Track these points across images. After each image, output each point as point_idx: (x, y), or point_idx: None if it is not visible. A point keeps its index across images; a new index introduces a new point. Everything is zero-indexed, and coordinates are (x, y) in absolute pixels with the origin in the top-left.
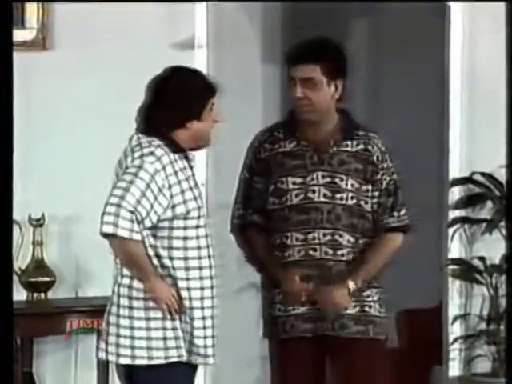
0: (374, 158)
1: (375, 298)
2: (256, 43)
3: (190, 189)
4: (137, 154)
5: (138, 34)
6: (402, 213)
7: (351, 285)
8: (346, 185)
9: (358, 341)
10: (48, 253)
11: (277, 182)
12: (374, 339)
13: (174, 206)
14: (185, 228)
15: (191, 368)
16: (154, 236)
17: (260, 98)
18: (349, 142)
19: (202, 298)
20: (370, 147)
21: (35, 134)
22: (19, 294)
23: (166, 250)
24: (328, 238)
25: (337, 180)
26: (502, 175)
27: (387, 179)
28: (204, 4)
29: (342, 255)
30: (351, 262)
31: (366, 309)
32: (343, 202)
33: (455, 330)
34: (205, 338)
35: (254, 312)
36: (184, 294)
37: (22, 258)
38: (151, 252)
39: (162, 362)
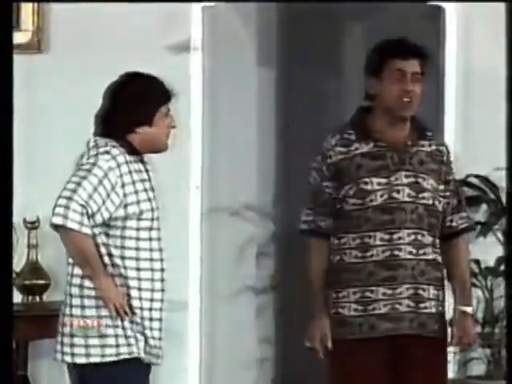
0: (445, 158)
1: (445, 298)
2: (251, 45)
3: (145, 190)
4: (92, 153)
5: (134, 36)
6: (465, 214)
7: (470, 310)
8: (427, 184)
9: (433, 340)
10: (43, 256)
11: (359, 183)
12: (444, 339)
13: (126, 205)
14: (138, 229)
15: (145, 367)
16: (107, 234)
17: (255, 101)
18: (424, 142)
19: (151, 300)
20: (440, 147)
21: (30, 136)
22: (14, 297)
23: (119, 249)
24: (412, 237)
25: (419, 180)
26: (497, 178)
27: (454, 179)
28: (199, 6)
29: (424, 254)
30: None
31: (440, 308)
32: (425, 201)
33: (449, 331)
34: (153, 338)
35: (250, 314)
36: (134, 293)
37: (16, 261)
38: (103, 250)
39: (114, 358)
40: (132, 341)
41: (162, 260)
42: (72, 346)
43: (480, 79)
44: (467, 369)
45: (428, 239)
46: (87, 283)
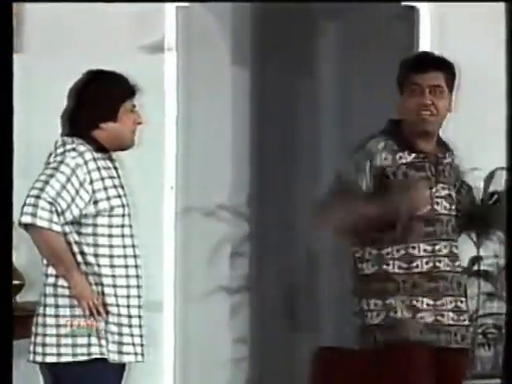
0: (459, 169)
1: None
2: (226, 45)
3: (114, 187)
4: (59, 151)
5: (108, 36)
6: None
7: None
8: (454, 197)
9: (466, 351)
10: (17, 256)
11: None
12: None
13: (96, 202)
14: (109, 226)
15: (117, 367)
16: (79, 233)
17: (230, 101)
18: (447, 154)
19: (128, 296)
20: (456, 161)
21: None
22: None
23: (91, 246)
24: (448, 249)
25: (451, 192)
26: (472, 179)
27: (466, 188)
28: (173, 6)
29: (458, 266)
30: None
31: (469, 321)
32: (454, 213)
33: None
34: (132, 335)
35: (224, 314)
36: (110, 290)
37: None
38: (76, 249)
39: (86, 358)
40: (103, 341)
41: (135, 256)
42: (44, 345)
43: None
44: None
45: (457, 250)
46: (61, 282)
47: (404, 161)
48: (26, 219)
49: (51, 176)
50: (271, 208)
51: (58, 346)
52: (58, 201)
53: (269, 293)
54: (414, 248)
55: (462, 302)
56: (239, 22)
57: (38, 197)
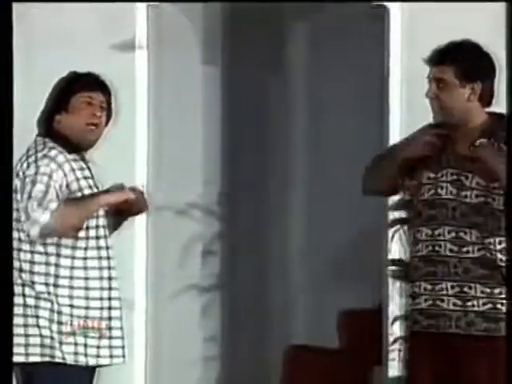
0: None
1: (507, 296)
2: (196, 44)
3: (89, 187)
4: (31, 159)
5: (79, 35)
6: None
7: None
8: (471, 183)
9: (486, 339)
10: None
11: (413, 176)
12: (499, 337)
13: None
14: (86, 228)
15: (90, 368)
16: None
17: (200, 100)
18: (479, 143)
19: (101, 299)
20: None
21: None
22: None
23: (69, 249)
24: (452, 234)
25: (462, 178)
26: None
27: None
28: (144, 5)
29: (468, 252)
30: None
31: (498, 306)
32: (467, 199)
33: (395, 330)
34: (111, 338)
35: (196, 313)
36: (80, 292)
37: None
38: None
39: (38, 359)
40: (55, 343)
41: (109, 258)
42: (18, 345)
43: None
44: None
45: (475, 236)
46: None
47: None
48: (35, 231)
49: (31, 190)
50: (242, 207)
51: (27, 346)
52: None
53: (240, 292)
54: (418, 232)
55: (470, 287)
56: (210, 21)
57: (28, 212)
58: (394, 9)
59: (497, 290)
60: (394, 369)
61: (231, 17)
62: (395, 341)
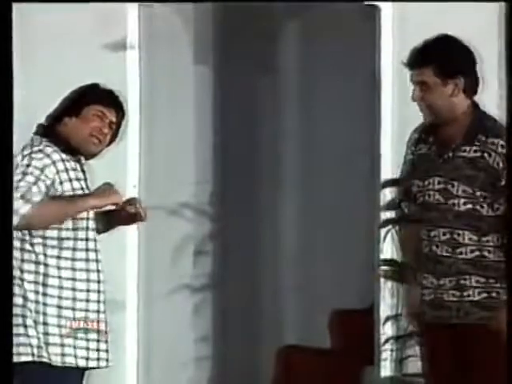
0: (493, 165)
1: (503, 285)
2: (188, 44)
3: (82, 189)
4: (26, 152)
5: (70, 35)
6: None
7: None
8: (457, 191)
9: (483, 327)
10: None
11: (412, 183)
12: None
13: None
14: (74, 229)
15: (80, 369)
16: (44, 237)
17: (192, 99)
18: (467, 148)
19: (87, 301)
20: (485, 155)
21: None
22: None
23: (56, 248)
24: (447, 236)
25: (449, 186)
26: None
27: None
28: (136, 5)
29: (461, 253)
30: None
31: (494, 295)
32: (455, 208)
33: (387, 330)
34: (87, 340)
35: (187, 313)
36: (68, 294)
37: None
38: (38, 250)
39: (28, 359)
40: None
41: (97, 261)
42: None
43: None
44: (403, 367)
45: (468, 238)
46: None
47: (419, 152)
48: (15, 220)
49: (20, 180)
50: (234, 207)
51: (17, 345)
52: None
53: (232, 292)
54: (415, 232)
55: (465, 279)
56: (202, 21)
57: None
58: (386, 8)
59: (493, 280)
60: (386, 369)
61: (223, 17)
62: (387, 341)
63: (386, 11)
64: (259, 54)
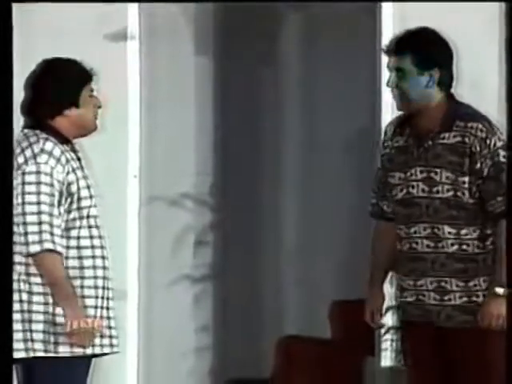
0: (472, 149)
1: (483, 287)
2: (189, 35)
3: (84, 178)
4: (28, 154)
5: (71, 25)
6: (501, 198)
7: (501, 291)
8: (441, 178)
9: (465, 330)
10: None
11: (387, 177)
12: (482, 328)
13: (71, 195)
14: (80, 218)
15: (87, 358)
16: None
17: (192, 91)
18: (446, 134)
19: (95, 287)
20: (466, 139)
21: None
22: None
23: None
24: (428, 231)
25: (432, 174)
26: None
27: (489, 164)
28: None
29: (443, 247)
30: (477, 258)
31: (474, 298)
32: (439, 195)
33: (387, 320)
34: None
35: (188, 303)
36: (75, 283)
37: None
38: None
39: (39, 354)
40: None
41: (102, 247)
42: (17, 341)
43: None
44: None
45: (447, 232)
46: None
47: (396, 144)
48: (35, 248)
49: (38, 193)
50: (235, 197)
51: (25, 341)
52: (53, 219)
53: (232, 282)
54: (400, 229)
55: (446, 282)
56: (202, 12)
57: (39, 223)
58: (386, 7)
59: (471, 283)
60: (387, 359)
61: (223, 8)
62: (387, 331)
63: (387, 11)
64: (260, 45)
